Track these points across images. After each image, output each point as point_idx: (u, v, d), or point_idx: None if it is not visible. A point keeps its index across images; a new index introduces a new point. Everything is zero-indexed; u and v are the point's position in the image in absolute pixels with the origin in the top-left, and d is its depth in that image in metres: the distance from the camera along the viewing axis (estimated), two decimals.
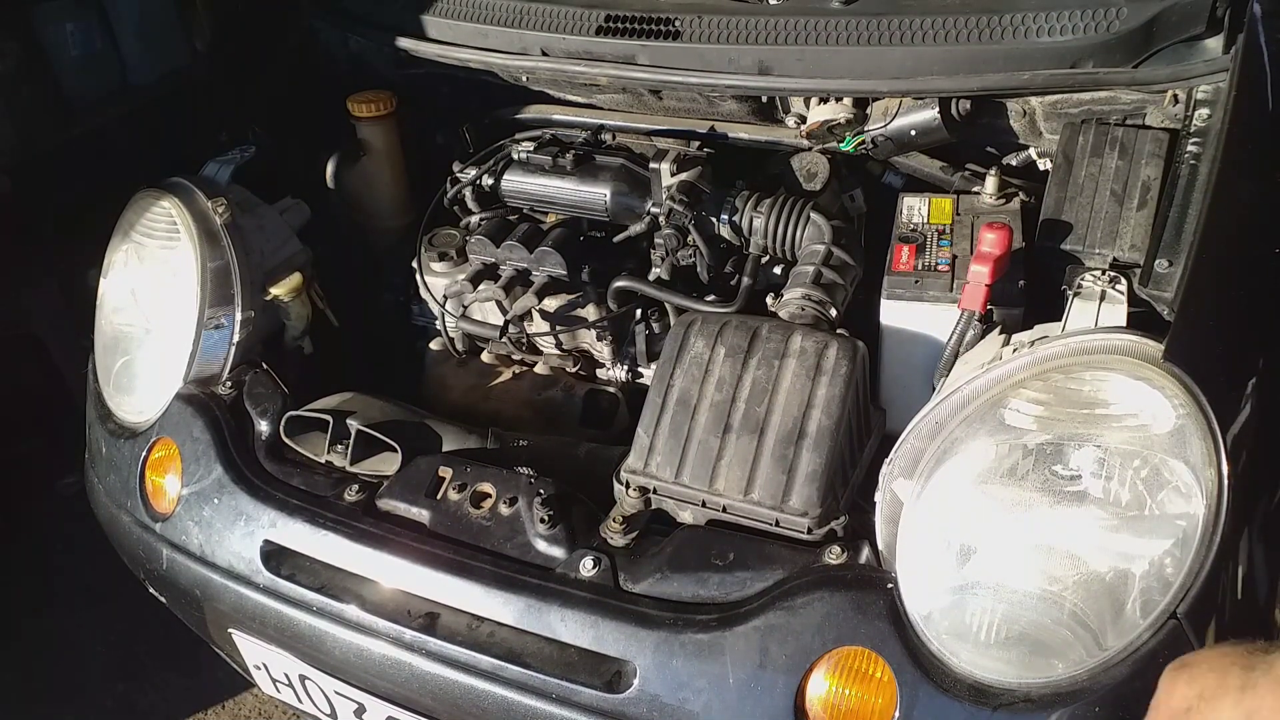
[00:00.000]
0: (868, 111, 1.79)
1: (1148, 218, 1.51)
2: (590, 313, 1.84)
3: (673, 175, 1.77)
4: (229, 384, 1.76)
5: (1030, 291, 1.51)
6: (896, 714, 1.22)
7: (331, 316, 1.95)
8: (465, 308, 1.90)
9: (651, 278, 1.81)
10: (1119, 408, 1.21)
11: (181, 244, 1.76)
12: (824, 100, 1.79)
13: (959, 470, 1.26)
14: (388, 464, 1.60)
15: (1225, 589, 1.17)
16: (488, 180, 1.93)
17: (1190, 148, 1.50)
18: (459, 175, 1.97)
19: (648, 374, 1.85)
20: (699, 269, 1.79)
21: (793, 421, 1.42)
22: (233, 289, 1.76)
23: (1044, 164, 1.75)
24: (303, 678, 1.64)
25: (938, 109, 1.71)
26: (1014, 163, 1.80)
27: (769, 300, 1.73)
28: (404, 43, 2.02)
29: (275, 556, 1.57)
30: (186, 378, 1.75)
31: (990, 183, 1.69)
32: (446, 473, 1.56)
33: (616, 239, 1.83)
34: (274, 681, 1.71)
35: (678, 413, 1.47)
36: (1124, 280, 1.42)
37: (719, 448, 1.43)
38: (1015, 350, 1.33)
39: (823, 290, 1.64)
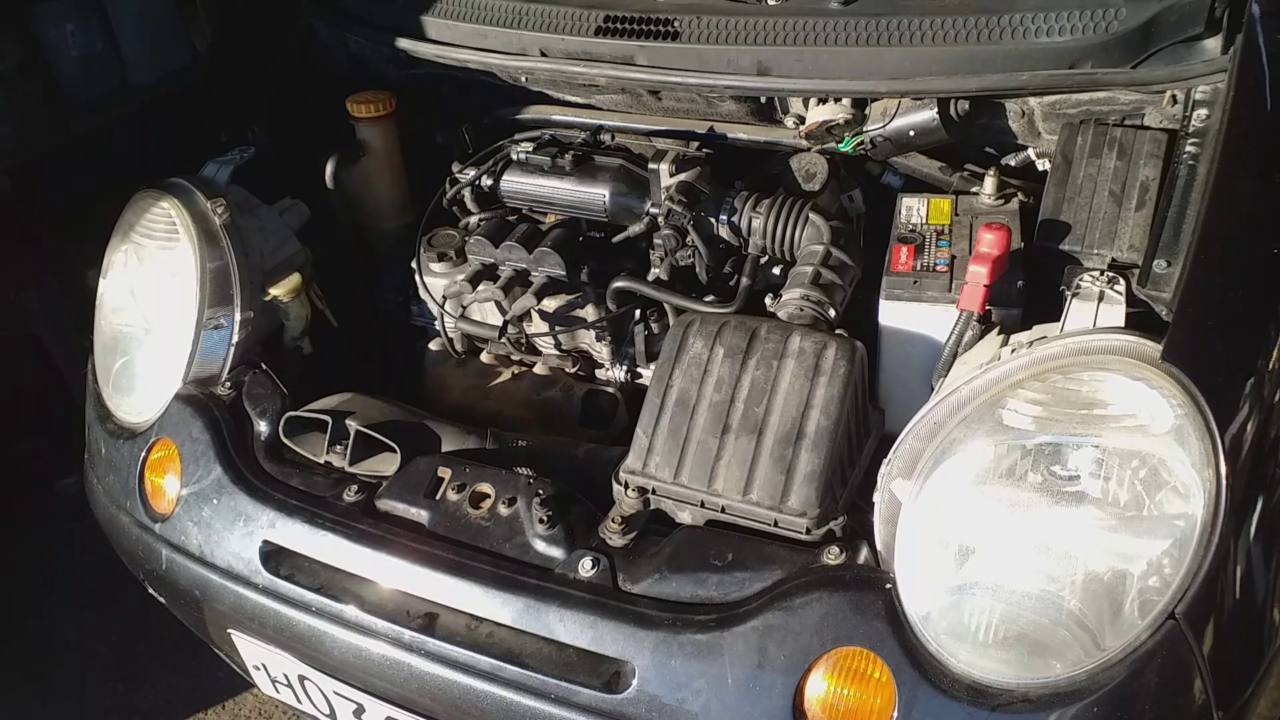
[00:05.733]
0: (866, 112, 1.79)
1: (1146, 218, 1.51)
2: (589, 313, 1.84)
3: (671, 176, 1.77)
4: (228, 384, 1.76)
5: (1029, 292, 1.51)
6: (895, 714, 1.22)
7: (331, 317, 1.95)
8: (464, 308, 1.90)
9: (650, 278, 1.81)
10: (1117, 408, 1.21)
11: (181, 244, 1.77)
12: (823, 101, 1.79)
13: (957, 470, 1.26)
14: (387, 464, 1.61)
15: (1224, 589, 1.17)
16: (487, 181, 1.93)
17: (1189, 148, 1.50)
18: (458, 175, 1.97)
19: (647, 374, 1.85)
20: (698, 269, 1.79)
21: (791, 422, 1.42)
22: (232, 289, 1.76)
23: (1042, 164, 1.75)
24: (302, 678, 1.64)
25: (936, 109, 1.71)
26: (1013, 163, 1.80)
27: (768, 301, 1.73)
28: (403, 43, 2.02)
29: (274, 557, 1.57)
30: (186, 378, 1.75)
31: (989, 183, 1.70)
32: (445, 473, 1.56)
33: (615, 239, 1.83)
34: (273, 682, 1.71)
35: (676, 413, 1.48)
36: (1122, 280, 1.42)
37: (718, 448, 1.43)
38: (1014, 351, 1.33)
39: (821, 290, 1.64)
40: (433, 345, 2.01)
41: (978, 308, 1.44)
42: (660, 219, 1.76)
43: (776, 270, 1.83)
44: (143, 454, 1.73)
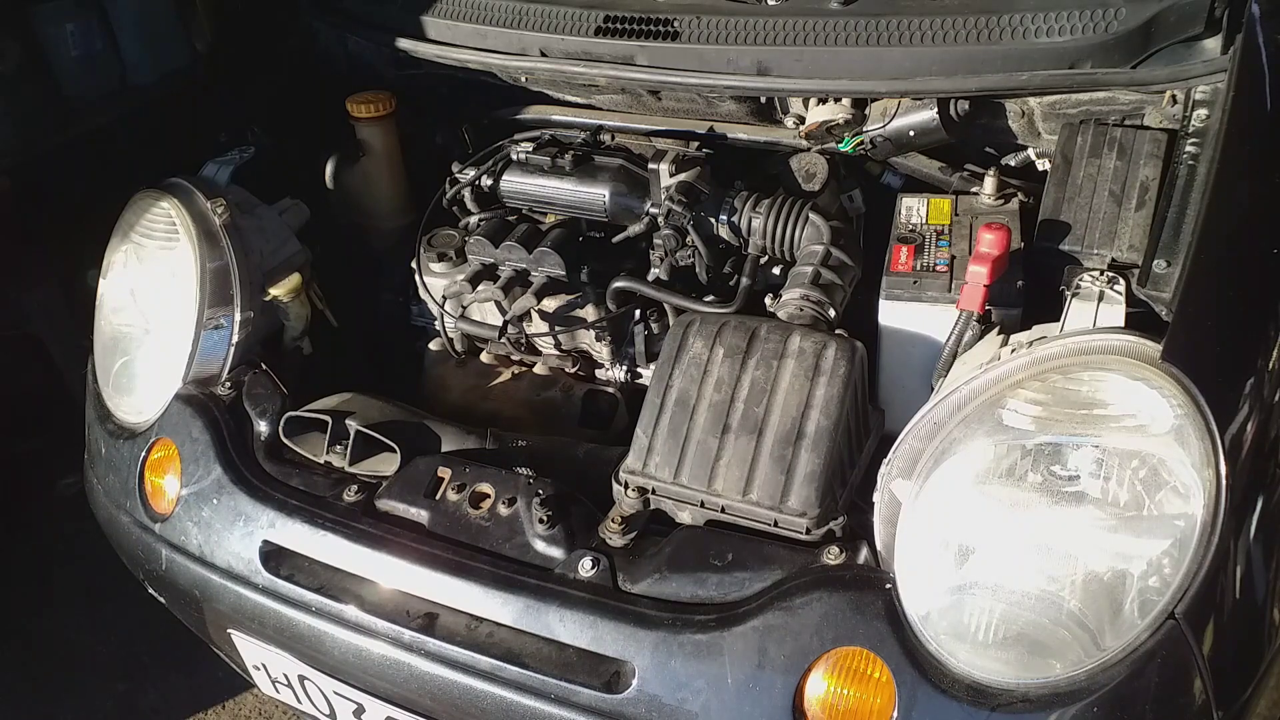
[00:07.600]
0: (866, 112, 1.79)
1: (1146, 218, 1.51)
2: (589, 313, 1.84)
3: (671, 176, 1.77)
4: (228, 384, 1.76)
5: (1028, 292, 1.51)
6: (895, 714, 1.22)
7: (331, 317, 1.95)
8: (464, 308, 1.90)
9: (650, 278, 1.81)
10: (1117, 408, 1.21)
11: (181, 244, 1.77)
12: (823, 101, 1.79)
13: (957, 470, 1.26)
14: (387, 464, 1.61)
15: (1224, 589, 1.17)
16: (487, 181, 1.93)
17: (1188, 148, 1.50)
18: (458, 176, 1.97)
19: (646, 374, 1.85)
20: (698, 269, 1.79)
21: (791, 422, 1.42)
22: (232, 289, 1.76)
23: (1042, 164, 1.75)
24: (302, 678, 1.64)
25: (936, 109, 1.71)
26: (1012, 163, 1.80)
27: (768, 301, 1.73)
28: (403, 43, 2.02)
29: (274, 557, 1.57)
30: (186, 378, 1.75)
31: (989, 183, 1.69)
32: (445, 473, 1.56)
33: (615, 239, 1.83)
34: (273, 682, 1.71)
35: (676, 413, 1.48)
36: (1122, 280, 1.42)
37: (717, 448, 1.43)
38: (1013, 351, 1.33)
39: (821, 291, 1.64)
40: (433, 345, 2.02)
41: (978, 308, 1.44)
42: (660, 219, 1.76)
43: (776, 270, 1.83)
44: (143, 454, 1.73)
